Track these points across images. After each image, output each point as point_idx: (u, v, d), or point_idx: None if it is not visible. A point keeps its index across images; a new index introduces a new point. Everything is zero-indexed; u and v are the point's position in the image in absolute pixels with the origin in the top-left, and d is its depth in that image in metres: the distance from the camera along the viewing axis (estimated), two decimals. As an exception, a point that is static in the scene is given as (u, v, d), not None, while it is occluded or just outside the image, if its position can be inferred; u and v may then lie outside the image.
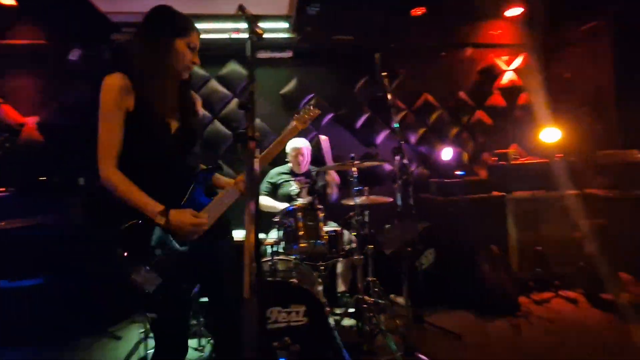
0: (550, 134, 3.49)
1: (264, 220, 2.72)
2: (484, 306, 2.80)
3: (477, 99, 4.10)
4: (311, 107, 1.70)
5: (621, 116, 3.22)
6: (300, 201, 2.61)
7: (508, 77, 4.14)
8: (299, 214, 2.17)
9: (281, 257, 2.21)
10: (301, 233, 2.14)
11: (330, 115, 3.81)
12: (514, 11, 3.83)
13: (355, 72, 3.87)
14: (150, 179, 1.23)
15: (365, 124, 3.85)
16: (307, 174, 3.14)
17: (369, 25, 3.78)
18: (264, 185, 3.10)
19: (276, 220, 2.28)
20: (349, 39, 3.68)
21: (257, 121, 3.66)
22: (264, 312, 1.81)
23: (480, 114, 4.08)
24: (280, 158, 3.00)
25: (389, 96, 2.30)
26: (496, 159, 3.51)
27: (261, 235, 2.33)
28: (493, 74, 4.13)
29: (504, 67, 4.14)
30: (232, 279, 1.29)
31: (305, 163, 3.13)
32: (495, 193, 3.27)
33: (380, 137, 3.87)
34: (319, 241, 2.17)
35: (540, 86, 3.92)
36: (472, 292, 2.88)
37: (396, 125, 2.33)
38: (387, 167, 3.73)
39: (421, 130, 3.97)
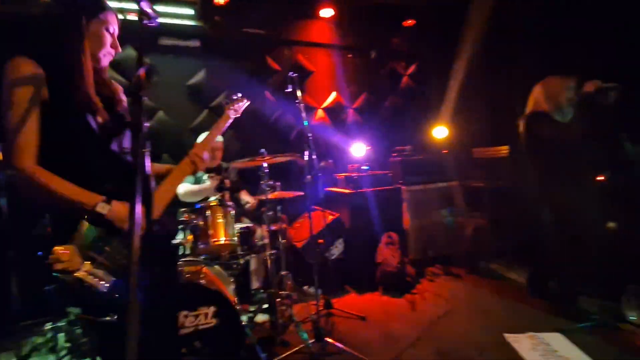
0: (440, 132, 4.03)
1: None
2: (386, 287, 3.10)
3: (381, 99, 4.48)
4: (240, 97, 1.72)
5: (492, 118, 3.88)
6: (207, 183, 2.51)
7: (405, 81, 4.61)
8: (208, 212, 2.08)
9: (188, 258, 2.10)
10: (211, 231, 2.06)
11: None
12: (411, 22, 4.30)
13: (266, 67, 3.85)
14: (76, 176, 1.09)
15: (279, 120, 3.88)
16: (217, 170, 3.02)
17: (278, 21, 3.80)
18: (189, 178, 2.89)
19: (183, 219, 2.15)
20: (260, 32, 3.64)
21: (161, 113, 3.39)
22: (174, 319, 1.72)
23: (383, 113, 4.46)
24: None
25: (299, 93, 2.36)
26: (396, 154, 3.89)
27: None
28: (394, 77, 4.55)
29: (402, 71, 4.60)
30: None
31: (219, 158, 3.02)
32: (395, 185, 3.63)
33: (294, 133, 3.94)
34: (230, 239, 2.12)
35: (433, 91, 4.48)
36: (375, 275, 3.17)
37: (305, 122, 2.40)
38: (301, 162, 3.82)
39: (332, 127, 4.17)
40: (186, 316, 1.84)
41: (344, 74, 4.26)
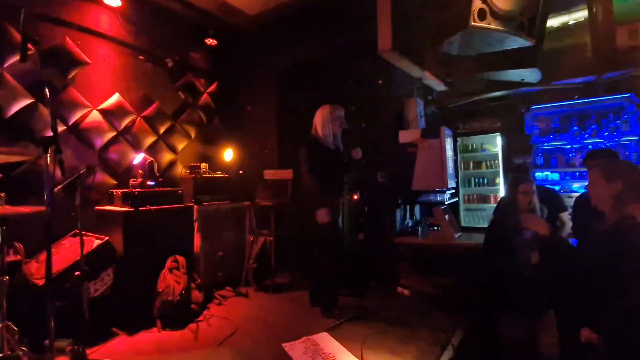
0: (231, 154, 4.12)
1: None
2: (165, 321, 2.70)
3: (178, 113, 4.15)
4: None
5: (280, 145, 4.28)
6: None
7: (204, 98, 4.49)
8: None
9: None
10: None
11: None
12: (210, 41, 4.28)
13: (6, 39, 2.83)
14: None
15: (20, 114, 2.87)
16: None
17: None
18: None
19: None
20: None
21: None
22: None
23: (178, 127, 4.13)
24: None
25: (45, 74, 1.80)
26: (189, 171, 3.63)
27: None
28: (193, 92, 4.34)
29: (202, 88, 4.46)
30: None
31: None
32: (185, 204, 3.34)
33: (46, 132, 3.00)
34: None
35: (226, 112, 4.55)
36: (151, 311, 2.71)
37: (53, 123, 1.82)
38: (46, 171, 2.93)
39: (110, 135, 3.47)
40: None
41: (133, 77, 3.70)
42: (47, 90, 1.82)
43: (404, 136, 3.59)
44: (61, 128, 3.10)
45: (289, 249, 3.77)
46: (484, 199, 4.62)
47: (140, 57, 3.81)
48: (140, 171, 3.22)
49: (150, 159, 3.39)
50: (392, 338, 2.41)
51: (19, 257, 2.51)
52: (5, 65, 2.79)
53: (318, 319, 2.79)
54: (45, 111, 2.97)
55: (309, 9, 3.91)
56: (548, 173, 4.06)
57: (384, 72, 3.66)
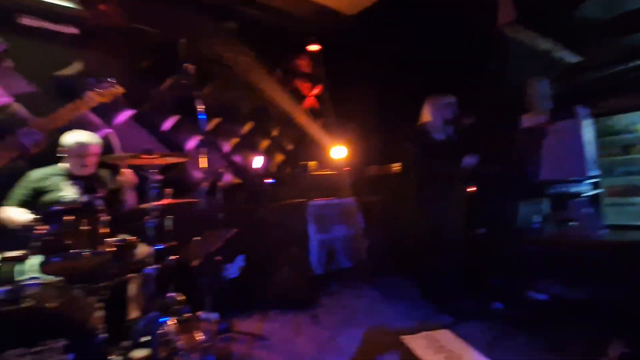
0: (339, 152, 4.23)
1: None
2: (288, 305, 2.95)
3: (285, 116, 4.51)
4: (113, 82, 1.46)
5: (385, 140, 4.26)
6: (69, 199, 2.01)
7: (309, 101, 4.77)
8: (68, 217, 1.64)
9: (32, 276, 1.60)
10: (69, 242, 1.62)
11: (128, 113, 3.26)
12: (311, 47, 4.52)
13: (161, 70, 3.50)
14: None
15: (172, 127, 3.51)
16: (92, 178, 2.47)
17: (176, 23, 3.53)
18: (20, 193, 2.22)
19: (29, 227, 1.65)
20: (154, 31, 3.32)
21: (16, 104, 2.70)
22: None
23: (287, 129, 4.49)
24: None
25: (196, 93, 2.16)
26: (300, 170, 3.90)
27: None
28: (296, 96, 4.66)
29: (305, 92, 4.76)
30: None
31: (91, 164, 2.44)
32: (298, 200, 3.60)
33: (190, 143, 3.60)
34: (95, 251, 1.70)
35: (331, 113, 4.72)
36: (276, 293, 2.99)
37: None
38: (197, 174, 3.50)
39: (234, 140, 3.98)
40: (21, 356, 1.36)
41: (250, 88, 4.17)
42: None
43: (528, 120, 3.19)
44: (196, 138, 3.68)
45: (399, 245, 3.72)
46: (634, 190, 3.78)
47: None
48: (259, 171, 3.61)
49: (267, 159, 3.75)
50: (523, 343, 2.17)
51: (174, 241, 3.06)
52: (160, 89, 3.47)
53: (432, 317, 2.68)
54: (186, 125, 3.59)
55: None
56: None
57: (501, 51, 3.31)
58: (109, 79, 1.51)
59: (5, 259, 1.56)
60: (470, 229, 3.36)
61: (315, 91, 4.82)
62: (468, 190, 3.26)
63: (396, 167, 3.56)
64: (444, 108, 2.81)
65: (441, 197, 2.71)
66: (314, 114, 4.76)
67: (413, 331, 2.38)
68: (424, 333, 2.32)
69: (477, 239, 3.36)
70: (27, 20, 2.81)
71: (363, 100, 4.50)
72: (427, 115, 2.88)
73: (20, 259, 1.56)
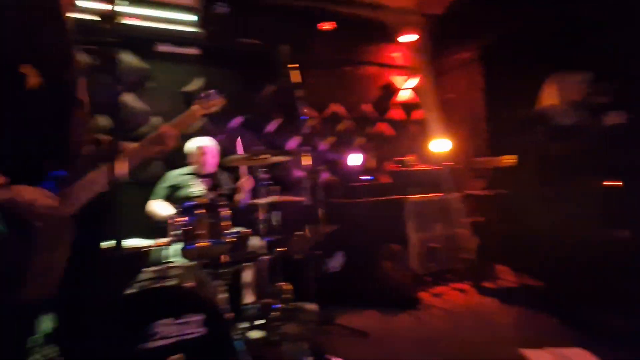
0: (441, 145, 3.96)
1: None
2: (388, 303, 2.90)
3: (379, 111, 4.45)
4: (212, 93, 1.66)
5: (490, 130, 3.84)
6: (198, 194, 2.37)
7: (404, 94, 4.60)
8: (198, 211, 1.93)
9: (174, 259, 1.92)
10: (199, 232, 1.90)
11: (237, 120, 3.65)
12: (408, 37, 4.34)
13: (262, 78, 3.82)
14: None
15: (274, 130, 3.79)
16: (214, 176, 2.89)
17: (276, 32, 3.80)
18: (162, 188, 2.75)
19: (171, 219, 1.99)
20: (256, 42, 3.63)
21: (155, 119, 3.30)
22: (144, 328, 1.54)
23: (381, 126, 4.42)
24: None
25: (298, 92, 2.29)
26: (397, 165, 3.80)
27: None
28: (391, 90, 4.55)
29: (399, 85, 4.60)
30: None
31: (211, 164, 2.89)
32: (396, 196, 3.50)
33: (290, 144, 3.84)
34: (219, 240, 1.95)
35: (431, 104, 4.46)
36: (376, 290, 2.97)
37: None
38: (298, 173, 3.71)
39: (329, 139, 4.09)
40: (170, 324, 1.65)
41: (345, 86, 4.25)
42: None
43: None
44: (295, 139, 3.89)
45: (516, 245, 3.31)
46: None
47: (346, 68, 4.30)
48: (356, 168, 3.64)
49: (364, 156, 3.75)
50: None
51: (282, 234, 3.31)
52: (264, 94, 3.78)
53: (559, 328, 2.31)
54: (287, 127, 3.83)
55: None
56: None
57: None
58: (211, 91, 1.70)
59: (155, 245, 1.92)
60: (609, 228, 2.78)
61: (411, 83, 4.62)
62: (606, 184, 2.71)
63: (508, 159, 3.16)
64: (573, 87, 2.39)
65: (568, 193, 2.31)
66: (412, 106, 4.58)
67: (535, 344, 2.08)
68: (549, 349, 2.02)
69: (618, 242, 2.77)
70: (162, 47, 3.39)
71: (466, 88, 4.14)
72: (550, 97, 2.49)
73: (167, 245, 1.89)
